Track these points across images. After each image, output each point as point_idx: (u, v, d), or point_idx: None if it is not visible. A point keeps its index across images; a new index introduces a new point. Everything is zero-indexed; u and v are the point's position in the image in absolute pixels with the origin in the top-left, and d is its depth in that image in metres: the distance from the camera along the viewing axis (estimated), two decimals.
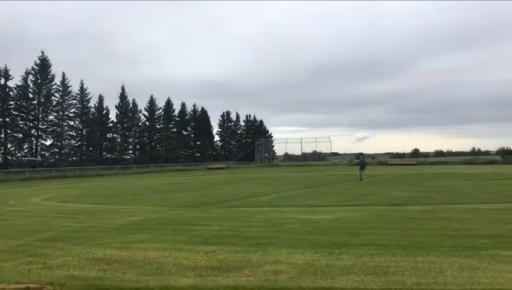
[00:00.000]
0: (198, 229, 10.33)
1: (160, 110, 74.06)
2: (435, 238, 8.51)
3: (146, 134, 72.12)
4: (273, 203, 16.48)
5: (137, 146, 71.57)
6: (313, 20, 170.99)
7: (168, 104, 74.72)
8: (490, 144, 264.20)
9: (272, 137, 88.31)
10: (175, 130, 75.91)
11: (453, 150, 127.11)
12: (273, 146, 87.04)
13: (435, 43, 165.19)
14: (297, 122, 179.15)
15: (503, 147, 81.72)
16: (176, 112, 75.95)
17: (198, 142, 78.70)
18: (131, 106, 70.37)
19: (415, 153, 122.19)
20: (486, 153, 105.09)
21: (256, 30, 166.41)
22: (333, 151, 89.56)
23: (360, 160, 31.62)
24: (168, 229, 10.57)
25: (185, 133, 77.35)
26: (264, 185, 26.65)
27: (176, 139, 75.32)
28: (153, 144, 73.12)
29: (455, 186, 22.24)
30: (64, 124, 61.59)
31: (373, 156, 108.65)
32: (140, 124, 72.25)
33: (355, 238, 8.72)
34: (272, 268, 6.55)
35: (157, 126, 74.10)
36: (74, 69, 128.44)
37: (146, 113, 72.47)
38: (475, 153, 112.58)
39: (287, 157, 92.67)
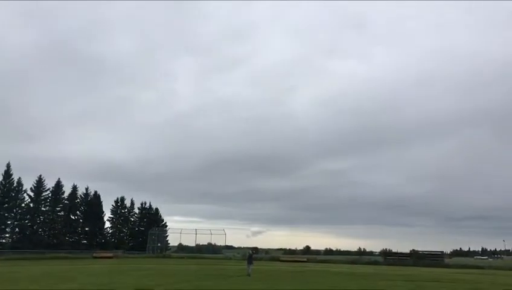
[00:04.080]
0: None
1: (48, 192, 69.14)
2: None
3: (29, 216, 66.18)
4: None
5: (16, 229, 65.09)
6: (214, 115, 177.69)
7: (58, 185, 70.18)
8: (375, 244, 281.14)
9: (166, 226, 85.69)
10: (62, 213, 70.72)
11: (342, 249, 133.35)
12: (167, 236, 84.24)
13: (326, 147, 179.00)
14: (193, 213, 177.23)
15: (386, 249, 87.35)
16: (66, 194, 71.42)
17: (86, 228, 73.65)
18: (15, 184, 65.06)
19: (307, 250, 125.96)
20: (371, 253, 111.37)
21: (159, 117, 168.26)
22: (228, 244, 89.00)
23: (249, 254, 31.85)
24: None
25: (73, 217, 72.26)
26: (155, 277, 25.49)
27: (61, 224, 69.89)
28: (35, 227, 67.05)
29: (340, 285, 23.15)
30: None
31: (267, 251, 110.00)
32: (23, 205, 66.45)
33: None
34: None
35: (43, 208, 68.59)
36: None
37: (32, 194, 67.13)
38: (361, 252, 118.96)
39: (181, 248, 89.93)
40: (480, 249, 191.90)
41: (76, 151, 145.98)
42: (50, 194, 69.19)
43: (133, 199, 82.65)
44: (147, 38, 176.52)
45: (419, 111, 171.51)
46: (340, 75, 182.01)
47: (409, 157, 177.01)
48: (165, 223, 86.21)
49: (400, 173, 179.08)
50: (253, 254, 33.40)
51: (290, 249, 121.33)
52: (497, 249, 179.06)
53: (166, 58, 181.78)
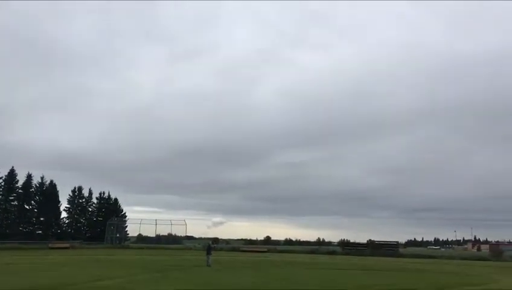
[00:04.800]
0: None
1: (1, 180, 66.58)
2: None
3: None
4: (118, 288, 15.67)
5: None
6: (175, 105, 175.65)
7: (11, 174, 67.75)
8: (333, 235, 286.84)
9: (125, 217, 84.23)
10: (16, 203, 68.36)
11: (301, 239, 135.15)
12: (126, 226, 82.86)
13: (287, 139, 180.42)
14: (154, 203, 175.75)
15: (344, 239, 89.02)
16: (20, 183, 69.00)
17: (41, 218, 71.46)
18: None
19: (267, 240, 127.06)
20: (329, 243, 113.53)
21: (118, 106, 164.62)
22: (188, 234, 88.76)
23: (208, 245, 31.98)
24: None
25: (27, 207, 69.98)
26: (112, 268, 25.14)
27: (15, 213, 67.58)
28: None
29: (297, 275, 23.59)
30: None
31: (227, 241, 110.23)
32: None
33: None
34: None
35: None
36: None
37: None
38: (320, 243, 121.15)
39: (141, 238, 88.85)
40: (433, 240, 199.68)
41: (31, 138, 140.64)
42: (3, 183, 66.73)
43: (91, 189, 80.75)
44: (108, 24, 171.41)
45: (380, 105, 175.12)
46: (305, 68, 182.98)
47: (368, 151, 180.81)
48: (125, 213, 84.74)
49: (359, 165, 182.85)
50: (212, 245, 33.44)
51: (250, 240, 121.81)
52: (449, 239, 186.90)
53: (128, 45, 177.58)
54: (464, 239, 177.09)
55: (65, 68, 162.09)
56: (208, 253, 29.60)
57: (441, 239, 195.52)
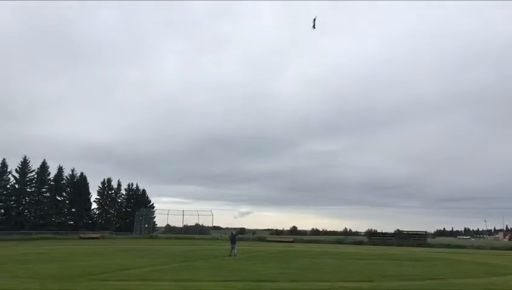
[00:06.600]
0: None
1: (34, 173, 68.79)
2: None
3: (14, 197, 65.90)
4: (145, 277, 16.15)
5: (1, 210, 64.76)
6: (201, 95, 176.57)
7: (43, 166, 69.88)
8: (360, 225, 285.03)
9: (153, 207, 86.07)
10: (48, 194, 70.55)
11: (328, 229, 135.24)
12: (154, 217, 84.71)
13: (314, 128, 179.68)
14: (181, 194, 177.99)
15: (371, 229, 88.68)
16: (52, 176, 71.16)
17: (73, 209, 73.70)
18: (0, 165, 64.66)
19: (293, 230, 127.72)
20: (356, 233, 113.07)
21: (145, 99, 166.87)
22: (215, 225, 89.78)
23: (231, 235, 32.31)
24: None
25: (59, 198, 72.20)
26: (140, 258, 25.83)
27: (48, 205, 69.81)
28: (20, 208, 66.85)
29: (322, 265, 23.71)
30: None
31: (254, 231, 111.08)
32: (8, 186, 66.08)
33: None
34: None
35: (28, 189, 68.30)
36: None
37: (17, 175, 66.78)
38: (346, 233, 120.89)
39: (168, 229, 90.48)
40: (463, 229, 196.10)
41: (62, 131, 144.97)
42: (35, 175, 68.87)
43: (120, 180, 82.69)
44: (133, 14, 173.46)
45: (407, 93, 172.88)
46: (330, 55, 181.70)
47: (395, 139, 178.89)
48: (152, 204, 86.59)
49: (386, 154, 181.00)
50: (236, 235, 33.78)
51: (277, 230, 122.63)
52: (480, 229, 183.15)
53: (154, 36, 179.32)
54: (495, 228, 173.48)
55: (93, 60, 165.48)
56: (232, 243, 29.89)
57: (471, 229, 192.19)
